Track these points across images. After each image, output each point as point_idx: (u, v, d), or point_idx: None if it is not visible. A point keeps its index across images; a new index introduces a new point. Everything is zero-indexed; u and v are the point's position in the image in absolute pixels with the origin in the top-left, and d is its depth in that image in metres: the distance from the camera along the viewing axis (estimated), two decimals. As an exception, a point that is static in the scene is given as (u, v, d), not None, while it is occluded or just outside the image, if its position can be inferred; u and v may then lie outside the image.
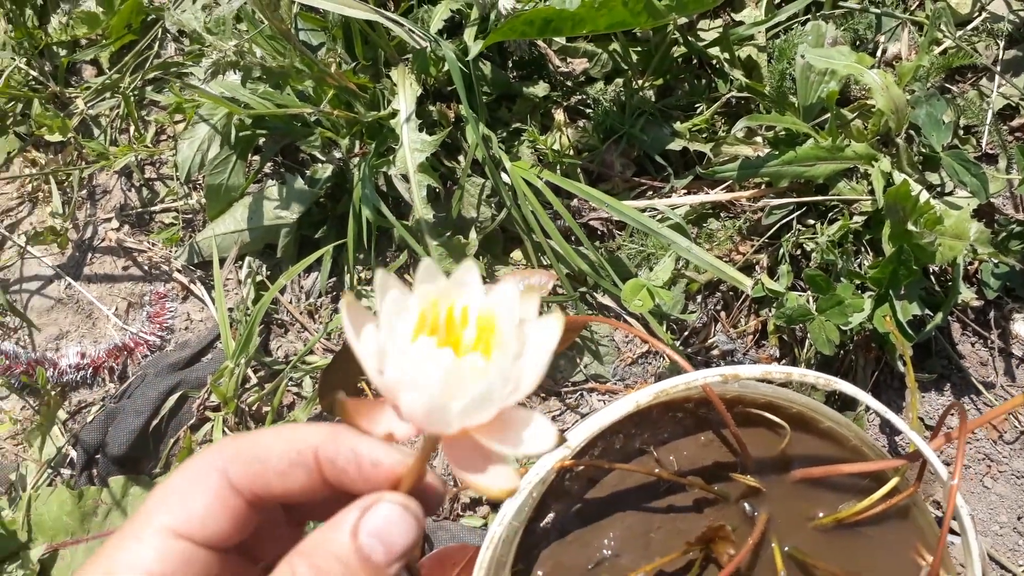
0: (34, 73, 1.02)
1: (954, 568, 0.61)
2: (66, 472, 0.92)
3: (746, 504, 0.63)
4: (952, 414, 0.77)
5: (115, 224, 0.99)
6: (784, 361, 0.86)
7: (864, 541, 0.63)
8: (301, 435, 0.32)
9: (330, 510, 0.31)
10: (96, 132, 1.00)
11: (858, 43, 0.90)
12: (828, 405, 0.69)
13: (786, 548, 0.63)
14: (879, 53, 0.91)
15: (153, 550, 0.29)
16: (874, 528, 0.63)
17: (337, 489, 0.32)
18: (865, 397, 0.56)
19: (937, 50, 0.88)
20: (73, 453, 0.92)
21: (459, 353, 0.27)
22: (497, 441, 0.27)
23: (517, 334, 0.27)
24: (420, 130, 0.78)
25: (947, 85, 0.91)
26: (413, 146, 0.77)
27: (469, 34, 0.79)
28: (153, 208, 0.99)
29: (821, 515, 0.63)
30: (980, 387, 0.85)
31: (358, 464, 0.31)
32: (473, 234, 0.83)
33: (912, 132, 0.82)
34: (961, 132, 0.87)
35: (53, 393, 0.93)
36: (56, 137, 0.95)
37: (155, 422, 0.90)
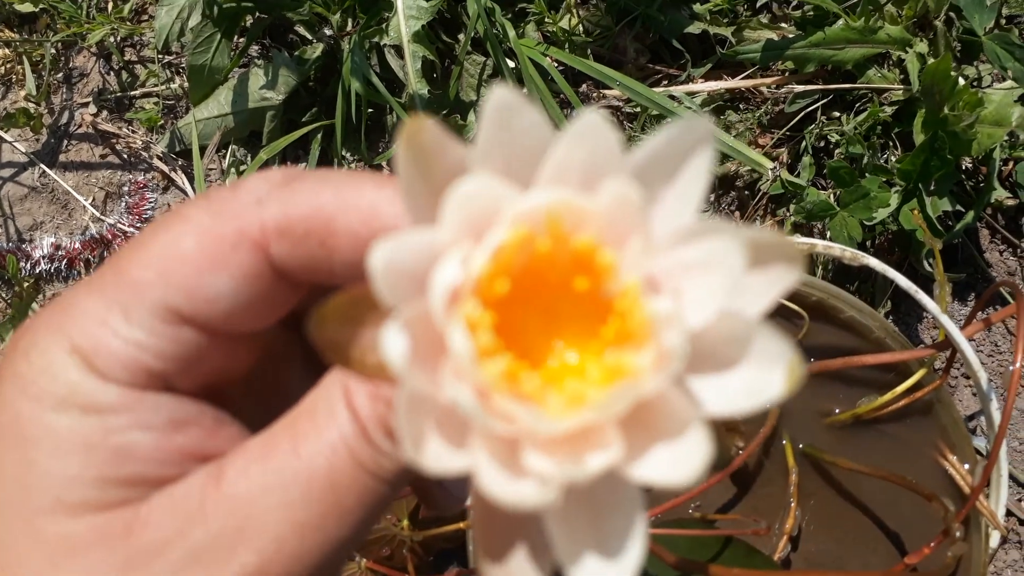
0: (4, -56, 0.95)
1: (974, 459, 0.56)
2: (41, 366, 0.88)
3: (758, 395, 0.58)
4: (983, 312, 0.72)
5: (93, 109, 0.93)
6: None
7: (883, 439, 0.59)
8: (384, 211, 0.20)
9: None
10: (67, 5, 0.93)
11: (896, -77, 0.83)
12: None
13: (799, 445, 0.58)
14: (918, -65, 0.83)
15: (147, 335, 0.20)
16: (894, 426, 0.58)
17: None
18: (894, 274, 0.51)
19: (982, -69, 0.81)
20: (48, 346, 0.87)
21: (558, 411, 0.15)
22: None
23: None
24: (416, -3, 0.72)
25: (990, -27, 0.84)
26: (408, 12, 0.71)
27: None
28: (133, 92, 0.93)
29: (838, 411, 0.59)
30: (1008, 296, 0.80)
31: None
32: (472, 116, 0.77)
33: (952, 15, 0.76)
34: (1003, 22, 0.80)
35: (26, 284, 0.89)
36: (27, 7, 0.88)
37: (133, 315, 0.86)
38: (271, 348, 0.24)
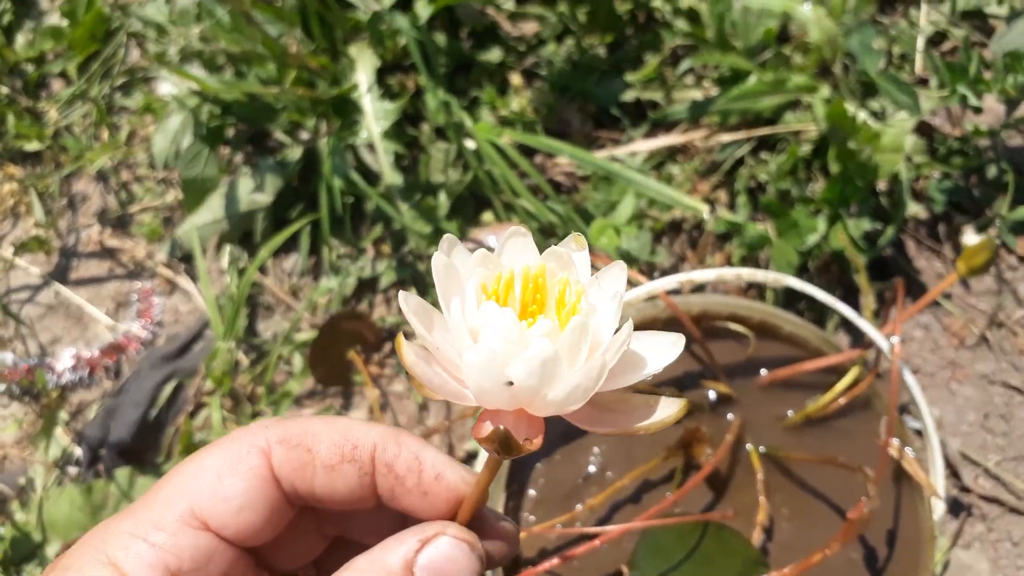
0: (5, 90, 1.05)
1: (909, 438, 0.65)
2: (73, 470, 0.95)
3: (719, 409, 0.67)
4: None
5: (97, 228, 1.02)
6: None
7: (833, 434, 0.67)
8: (357, 430, 0.28)
9: (368, 529, 0.28)
10: (71, 141, 1.03)
11: (792, -15, 0.94)
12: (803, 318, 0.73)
13: (761, 448, 0.67)
14: (812, -7, 0.95)
15: (174, 540, 0.25)
16: (841, 420, 0.67)
17: (384, 503, 0.28)
18: (813, 290, 0.60)
19: (866, -16, 0.92)
20: (78, 451, 0.94)
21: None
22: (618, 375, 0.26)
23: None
24: (382, 99, 0.82)
25: (879, 19, 0.96)
26: (377, 115, 0.81)
27: (421, 4, 0.83)
28: (132, 209, 1.02)
29: (790, 413, 0.67)
30: (938, 300, 0.89)
31: (419, 473, 0.28)
32: (443, 197, 0.86)
33: (848, 62, 0.87)
34: (896, 60, 0.92)
35: (53, 396, 0.96)
36: (34, 146, 0.98)
37: (154, 412, 0.93)
38: None
